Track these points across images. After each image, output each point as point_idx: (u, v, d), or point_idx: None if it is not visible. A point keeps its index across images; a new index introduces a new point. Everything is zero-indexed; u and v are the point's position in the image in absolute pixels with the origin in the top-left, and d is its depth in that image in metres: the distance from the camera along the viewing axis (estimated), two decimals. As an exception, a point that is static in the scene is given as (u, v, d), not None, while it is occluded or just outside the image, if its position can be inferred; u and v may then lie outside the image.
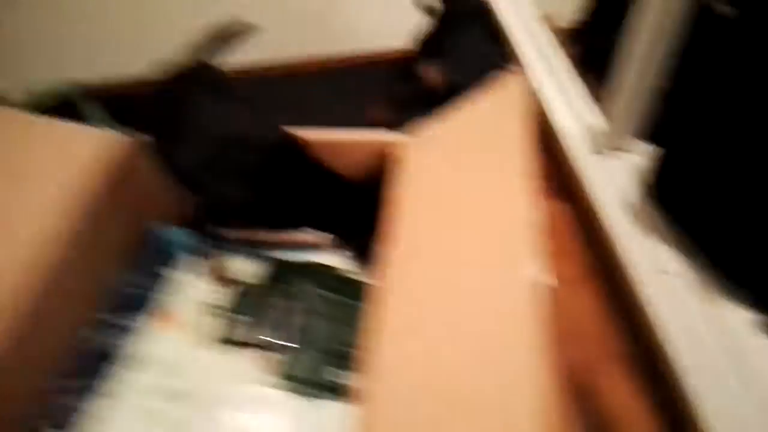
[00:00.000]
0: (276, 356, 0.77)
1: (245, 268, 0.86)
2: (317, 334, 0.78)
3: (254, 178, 0.80)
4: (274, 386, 0.74)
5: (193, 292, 0.83)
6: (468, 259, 0.60)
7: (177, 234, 0.85)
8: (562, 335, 1.03)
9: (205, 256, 0.86)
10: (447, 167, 0.71)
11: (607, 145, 1.22)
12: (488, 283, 0.57)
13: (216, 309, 0.81)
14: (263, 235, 0.88)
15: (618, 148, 1.22)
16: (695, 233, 1.01)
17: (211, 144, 0.78)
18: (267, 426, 0.72)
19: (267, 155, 0.79)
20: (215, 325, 0.79)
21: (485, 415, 0.49)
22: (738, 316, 0.90)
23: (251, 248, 0.88)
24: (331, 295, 0.83)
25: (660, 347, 0.90)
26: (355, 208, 0.81)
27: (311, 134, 0.83)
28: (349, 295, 0.82)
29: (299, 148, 0.82)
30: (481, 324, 0.55)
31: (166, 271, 0.84)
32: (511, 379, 0.50)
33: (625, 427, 0.90)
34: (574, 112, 1.36)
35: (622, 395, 0.95)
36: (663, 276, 0.97)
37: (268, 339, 0.77)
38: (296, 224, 0.87)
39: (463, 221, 0.64)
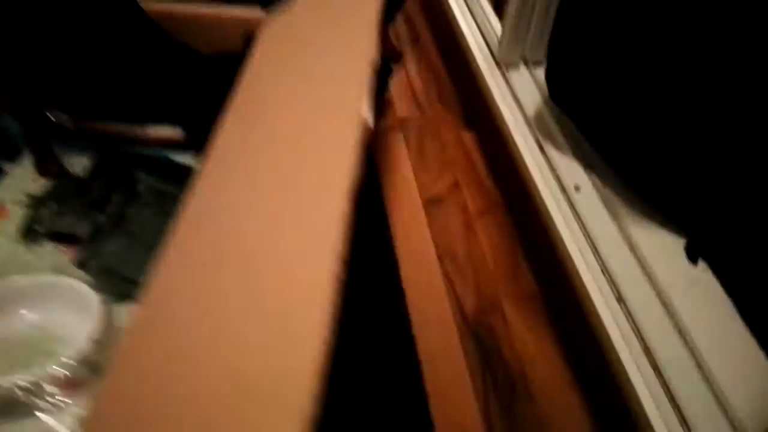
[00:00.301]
0: (84, 247, 0.76)
1: (80, 160, 0.84)
2: (140, 226, 0.75)
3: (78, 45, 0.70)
4: (78, 278, 0.73)
5: (20, 184, 0.83)
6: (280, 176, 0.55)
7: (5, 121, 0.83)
8: (464, 273, 0.93)
9: (34, 145, 0.82)
10: (293, 51, 0.66)
11: (507, 57, 1.10)
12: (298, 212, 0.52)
13: (34, 200, 0.80)
14: (107, 126, 0.83)
15: (522, 61, 1.11)
16: (595, 140, 0.91)
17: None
18: (67, 320, 0.71)
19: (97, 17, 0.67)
20: (30, 217, 0.79)
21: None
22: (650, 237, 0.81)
23: (91, 139, 0.84)
24: (164, 187, 0.79)
25: (568, 275, 0.81)
26: (208, 93, 0.70)
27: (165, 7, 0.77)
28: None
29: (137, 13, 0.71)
30: (278, 255, 0.49)
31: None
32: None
33: (527, 365, 0.82)
34: (476, 23, 1.23)
35: (522, 332, 0.88)
36: (575, 194, 0.87)
37: (75, 230, 0.76)
38: (140, 111, 0.79)
39: (291, 131, 0.59)
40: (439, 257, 1.04)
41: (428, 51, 1.50)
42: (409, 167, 1.20)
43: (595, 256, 0.82)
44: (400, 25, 1.57)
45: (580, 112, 0.93)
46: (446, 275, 1.01)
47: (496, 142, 1.15)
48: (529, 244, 1.04)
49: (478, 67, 1.16)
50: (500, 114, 1.06)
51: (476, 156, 1.22)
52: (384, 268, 1.00)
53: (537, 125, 1.02)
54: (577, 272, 0.81)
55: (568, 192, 0.90)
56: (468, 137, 1.26)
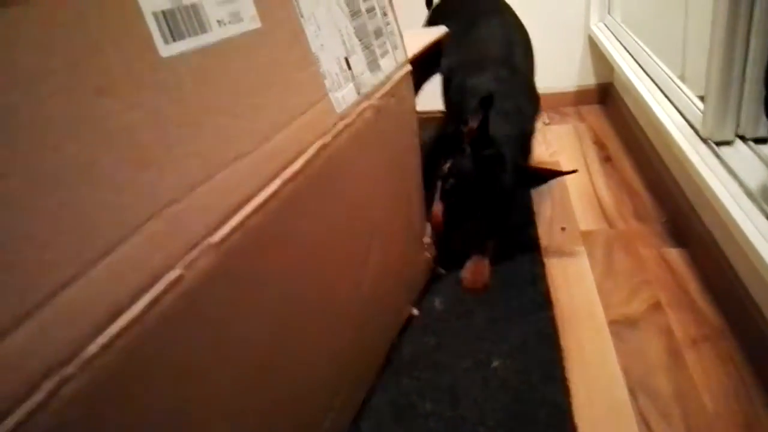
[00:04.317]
0: None
1: None
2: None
3: None
4: None
5: None
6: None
7: None
8: (669, 416, 0.65)
9: None
10: None
11: (716, 133, 0.87)
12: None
13: None
14: None
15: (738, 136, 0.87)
16: None
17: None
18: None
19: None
20: None
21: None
22: None
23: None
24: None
25: None
26: None
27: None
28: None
29: None
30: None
31: None
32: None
33: None
34: (672, 104, 1.02)
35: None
36: None
37: None
38: None
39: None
40: (631, 390, 0.74)
41: (621, 169, 1.28)
42: (591, 281, 0.94)
43: None
44: (588, 147, 1.40)
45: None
46: (641, 415, 0.71)
47: (712, 253, 0.87)
48: (772, 385, 0.71)
49: (682, 151, 0.92)
50: (716, 198, 0.79)
51: (685, 274, 0.93)
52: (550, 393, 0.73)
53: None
54: None
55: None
56: (673, 253, 0.98)
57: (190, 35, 0.47)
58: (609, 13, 1.50)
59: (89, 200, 0.37)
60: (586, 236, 1.07)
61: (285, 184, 0.54)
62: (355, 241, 0.72)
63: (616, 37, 1.41)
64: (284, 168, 0.55)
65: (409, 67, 0.82)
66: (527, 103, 1.00)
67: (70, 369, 0.35)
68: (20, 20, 0.35)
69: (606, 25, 1.50)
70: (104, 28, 0.40)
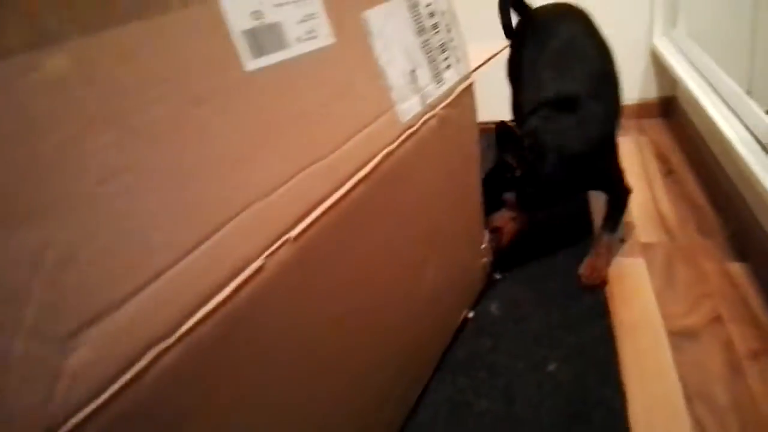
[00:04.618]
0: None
1: None
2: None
3: None
4: None
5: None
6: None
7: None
8: (725, 422, 0.66)
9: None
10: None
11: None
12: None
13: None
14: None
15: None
16: None
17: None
18: None
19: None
20: None
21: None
22: None
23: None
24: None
25: None
26: None
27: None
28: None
29: None
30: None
31: None
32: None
33: None
34: (738, 119, 1.02)
35: None
36: None
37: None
38: None
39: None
40: (688, 399, 0.75)
41: (684, 183, 1.27)
42: (650, 292, 0.95)
43: None
44: (650, 161, 1.39)
45: None
46: (698, 422, 0.72)
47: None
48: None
49: (747, 165, 0.92)
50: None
51: (746, 288, 0.92)
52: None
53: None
54: None
55: None
56: (735, 267, 0.98)
57: (272, 51, 0.52)
58: (673, 26, 1.49)
59: (190, 194, 0.42)
60: (646, 248, 1.07)
61: (354, 186, 0.58)
62: (415, 241, 0.76)
63: (680, 51, 1.41)
64: (354, 173, 0.59)
65: (471, 80, 0.85)
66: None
67: (169, 341, 0.40)
68: (139, 34, 0.40)
69: (669, 39, 1.49)
70: (200, 44, 0.45)
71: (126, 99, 0.39)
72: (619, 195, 1.02)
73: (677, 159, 1.40)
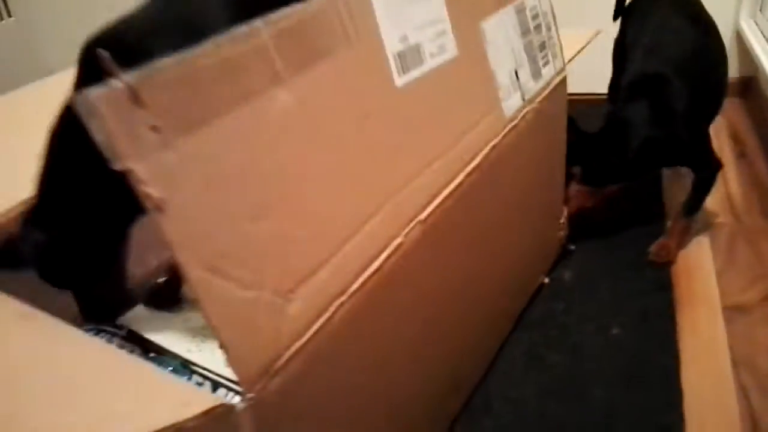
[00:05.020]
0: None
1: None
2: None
3: None
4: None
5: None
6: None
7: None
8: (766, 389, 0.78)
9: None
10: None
11: None
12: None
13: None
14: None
15: None
16: None
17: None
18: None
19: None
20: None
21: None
22: None
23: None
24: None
25: None
26: None
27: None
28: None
29: None
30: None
31: None
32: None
33: None
34: None
35: None
36: None
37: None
38: None
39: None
40: (734, 365, 0.87)
41: (755, 166, 1.34)
42: (711, 269, 1.05)
43: None
44: (724, 141, 1.45)
45: None
46: (741, 388, 0.83)
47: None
48: None
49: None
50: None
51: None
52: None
53: None
54: None
55: None
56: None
57: (414, 68, 0.64)
58: (760, 10, 1.52)
59: (359, 186, 0.56)
60: (712, 227, 1.16)
61: (467, 176, 0.71)
62: (510, 218, 0.89)
63: (763, 35, 1.44)
64: (467, 164, 0.72)
65: (564, 73, 0.96)
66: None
67: (343, 298, 0.54)
68: (332, 68, 0.54)
69: (756, 22, 1.52)
70: (367, 70, 0.58)
71: (326, 118, 0.53)
72: (705, 176, 1.10)
73: (751, 141, 1.45)
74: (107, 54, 0.39)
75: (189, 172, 0.43)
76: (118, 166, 0.39)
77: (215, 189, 0.45)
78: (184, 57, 0.42)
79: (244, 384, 0.46)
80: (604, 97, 1.29)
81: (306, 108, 0.52)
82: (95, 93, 0.37)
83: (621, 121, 1.04)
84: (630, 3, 1.27)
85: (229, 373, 0.52)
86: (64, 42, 0.95)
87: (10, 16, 1.36)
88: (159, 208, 0.40)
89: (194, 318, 0.81)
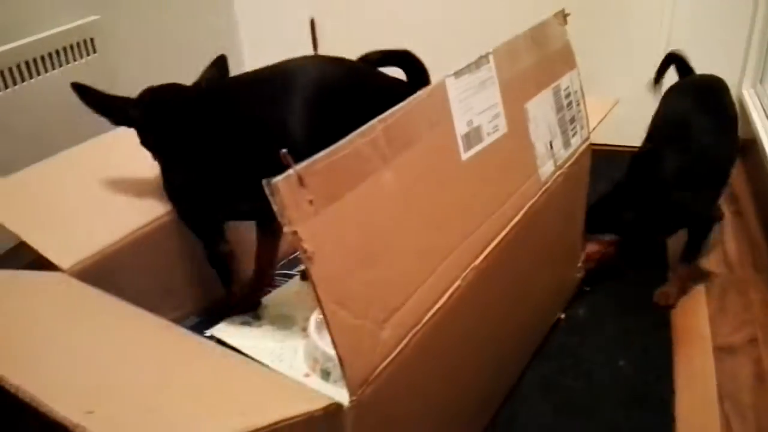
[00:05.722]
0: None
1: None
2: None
3: None
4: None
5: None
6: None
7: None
8: (745, 417, 0.93)
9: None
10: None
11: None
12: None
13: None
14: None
15: None
16: None
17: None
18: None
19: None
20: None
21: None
22: None
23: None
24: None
25: None
26: None
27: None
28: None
29: None
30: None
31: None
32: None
33: None
34: None
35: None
36: None
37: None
38: None
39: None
40: (720, 398, 1.03)
41: (749, 223, 1.51)
42: (705, 313, 1.22)
43: None
44: (723, 200, 1.62)
45: None
46: (725, 416, 0.99)
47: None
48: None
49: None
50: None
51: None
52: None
53: None
54: None
55: None
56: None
57: (475, 145, 0.81)
58: (760, 82, 1.69)
59: (435, 243, 0.73)
60: (708, 276, 1.33)
61: (509, 232, 0.88)
62: (540, 264, 1.05)
63: (763, 106, 1.61)
64: (510, 221, 0.88)
65: (589, 141, 1.13)
66: None
67: (418, 327, 0.70)
68: (417, 151, 0.71)
69: (756, 93, 1.69)
70: (442, 147, 0.75)
71: (415, 188, 0.70)
72: (700, 228, 1.28)
73: (746, 200, 1.62)
74: (285, 151, 0.56)
75: (328, 232, 0.60)
76: (287, 229, 0.55)
77: (343, 245, 0.61)
78: (331, 149, 0.59)
79: (351, 389, 0.62)
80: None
81: (402, 181, 0.69)
82: (277, 179, 0.54)
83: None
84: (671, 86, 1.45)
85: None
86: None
87: (95, 51, 1.52)
88: (310, 259, 0.57)
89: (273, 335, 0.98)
